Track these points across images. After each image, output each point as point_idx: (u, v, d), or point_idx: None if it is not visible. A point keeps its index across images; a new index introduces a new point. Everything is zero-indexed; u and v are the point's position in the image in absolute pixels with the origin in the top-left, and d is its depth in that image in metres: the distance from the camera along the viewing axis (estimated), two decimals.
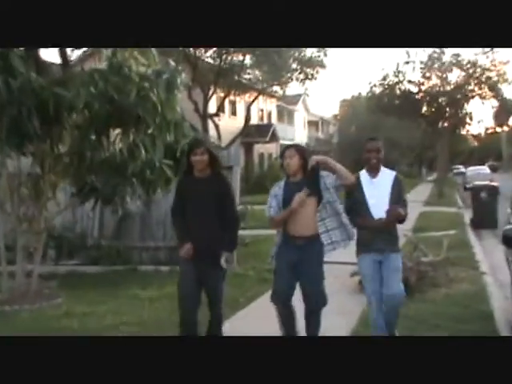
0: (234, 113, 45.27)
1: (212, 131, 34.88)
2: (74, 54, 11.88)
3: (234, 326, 8.28)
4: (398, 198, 6.94)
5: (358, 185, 6.99)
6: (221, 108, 37.90)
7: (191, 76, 31.10)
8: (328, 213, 6.85)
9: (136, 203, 12.08)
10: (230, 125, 41.02)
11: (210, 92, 35.19)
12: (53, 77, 10.25)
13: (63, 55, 11.87)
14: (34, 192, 10.43)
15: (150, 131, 9.84)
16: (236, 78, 34.68)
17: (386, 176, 7.08)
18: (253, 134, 44.51)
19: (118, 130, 10.20)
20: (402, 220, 7.01)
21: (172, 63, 11.05)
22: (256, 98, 40.38)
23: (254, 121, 47.57)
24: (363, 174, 7.09)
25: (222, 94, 37.57)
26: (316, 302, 6.83)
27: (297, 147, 7.12)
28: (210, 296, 6.98)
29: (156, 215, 13.54)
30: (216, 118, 36.49)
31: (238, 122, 42.03)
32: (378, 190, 6.96)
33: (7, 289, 10.17)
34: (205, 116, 34.53)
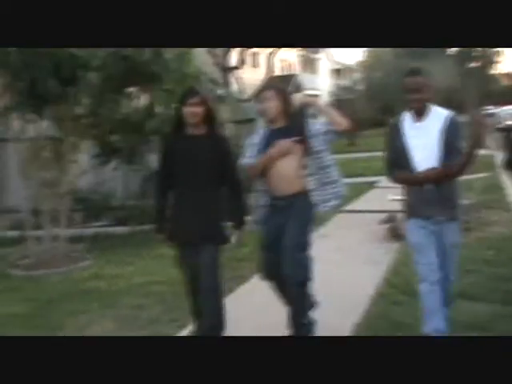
0: (255, 65, 45.04)
1: (234, 85, 34.79)
2: None
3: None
4: (450, 145, 5.26)
5: (398, 131, 5.44)
6: (242, 60, 37.73)
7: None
8: (317, 166, 5.73)
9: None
10: (251, 77, 40.86)
11: None
12: None
13: None
14: (55, 155, 10.47)
15: (166, 87, 9.85)
16: None
17: (437, 118, 5.38)
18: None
19: (134, 88, 10.21)
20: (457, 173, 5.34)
21: None
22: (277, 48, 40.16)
23: (277, 72, 47.32)
24: (406, 117, 5.47)
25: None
26: (293, 271, 5.54)
27: (276, 88, 5.95)
28: (202, 277, 5.57)
29: None
30: (237, 71, 36.37)
31: (259, 74, 41.84)
32: (424, 137, 5.32)
33: (35, 253, 10.28)
34: (226, 69, 34.41)
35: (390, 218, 10.55)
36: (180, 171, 5.70)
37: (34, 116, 10.04)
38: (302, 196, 5.70)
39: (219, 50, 33.36)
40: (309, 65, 58.35)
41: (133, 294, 7.99)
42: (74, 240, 11.37)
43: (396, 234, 10.20)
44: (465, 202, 11.28)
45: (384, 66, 57.13)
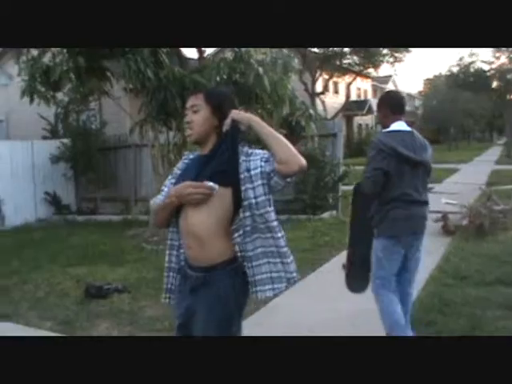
0: (336, 91, 44.81)
1: (319, 107, 34.74)
2: (208, 50, 11.98)
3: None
4: None
5: None
6: (326, 88, 37.63)
7: (301, 63, 31.01)
8: (256, 226, 2.87)
9: None
10: (333, 101, 40.61)
11: (317, 75, 35.06)
12: (191, 67, 10.44)
13: (200, 51, 11.99)
14: (178, 157, 10.63)
15: (268, 106, 9.88)
16: (338, 63, 34.47)
17: None
18: (352, 108, 44.13)
19: (241, 107, 10.27)
20: None
21: (285, 51, 11.06)
22: (354, 78, 39.92)
23: (353, 97, 46.94)
24: None
25: (327, 77, 37.33)
26: None
27: (208, 93, 3.01)
28: None
29: None
30: (322, 96, 36.31)
31: (339, 99, 41.60)
32: None
33: (162, 233, 10.35)
34: (313, 94, 34.38)
35: (443, 217, 10.27)
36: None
37: (164, 127, 10.29)
38: (224, 271, 2.86)
39: (308, 80, 33.36)
40: (379, 92, 57.66)
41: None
42: None
43: (447, 231, 9.96)
44: (504, 207, 10.91)
45: (438, 95, 56.02)
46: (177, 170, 3.14)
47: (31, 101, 10.26)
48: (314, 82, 34.72)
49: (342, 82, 41.53)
